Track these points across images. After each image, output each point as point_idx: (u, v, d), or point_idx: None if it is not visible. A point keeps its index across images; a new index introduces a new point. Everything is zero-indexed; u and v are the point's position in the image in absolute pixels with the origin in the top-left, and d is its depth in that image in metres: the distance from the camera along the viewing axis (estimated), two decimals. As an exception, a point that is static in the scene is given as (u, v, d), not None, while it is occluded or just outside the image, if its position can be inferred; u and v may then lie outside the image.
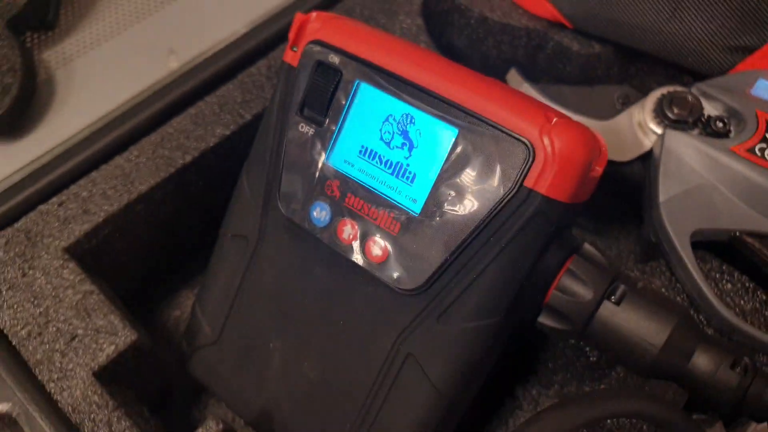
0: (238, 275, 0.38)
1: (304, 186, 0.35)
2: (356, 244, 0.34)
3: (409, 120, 0.34)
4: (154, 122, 0.43)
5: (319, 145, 0.35)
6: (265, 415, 0.37)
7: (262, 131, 0.37)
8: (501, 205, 0.30)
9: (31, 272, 0.38)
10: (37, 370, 0.35)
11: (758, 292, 0.38)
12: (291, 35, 0.37)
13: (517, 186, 0.30)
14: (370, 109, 0.34)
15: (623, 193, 0.45)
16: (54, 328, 0.37)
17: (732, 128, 0.40)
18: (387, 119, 0.33)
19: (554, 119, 0.31)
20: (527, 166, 0.30)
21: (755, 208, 0.37)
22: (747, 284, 0.38)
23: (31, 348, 0.36)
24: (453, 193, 0.32)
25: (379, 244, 0.33)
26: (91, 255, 0.40)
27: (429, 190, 0.32)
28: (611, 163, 0.37)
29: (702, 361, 0.32)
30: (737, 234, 0.38)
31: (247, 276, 0.38)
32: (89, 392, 0.35)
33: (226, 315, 0.39)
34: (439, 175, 0.32)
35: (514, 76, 0.48)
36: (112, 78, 0.48)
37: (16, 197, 0.40)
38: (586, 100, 0.49)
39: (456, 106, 0.32)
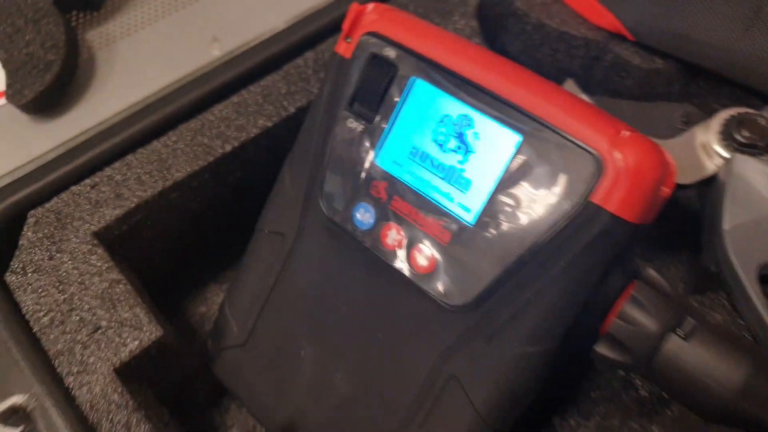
0: (272, 275, 0.36)
1: (349, 185, 0.33)
2: (401, 252, 0.32)
3: (466, 122, 0.31)
4: (195, 108, 0.42)
5: (367, 143, 0.33)
6: (290, 427, 0.35)
7: (308, 125, 0.36)
8: (565, 221, 0.28)
9: (58, 255, 0.37)
10: (57, 361, 0.34)
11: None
12: (345, 26, 0.35)
13: (583, 201, 0.28)
14: (424, 108, 0.32)
15: (676, 217, 0.42)
16: (77, 317, 0.35)
17: (806, 156, 0.37)
18: (442, 120, 0.31)
19: (625, 132, 0.29)
20: (595, 180, 0.28)
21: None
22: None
23: (52, 337, 0.35)
24: (512, 204, 0.30)
25: (427, 254, 0.31)
26: (120, 242, 0.39)
27: (485, 199, 0.30)
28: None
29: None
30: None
31: (282, 276, 0.36)
32: (109, 390, 0.33)
33: (256, 316, 0.37)
34: (498, 183, 0.30)
35: (571, 87, 0.46)
36: (153, 62, 0.47)
37: (49, 176, 0.39)
38: (645, 116, 0.46)
39: (520, 110, 0.30)
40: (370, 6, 0.34)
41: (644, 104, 0.48)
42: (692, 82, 0.47)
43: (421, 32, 0.33)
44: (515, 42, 0.51)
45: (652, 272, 0.32)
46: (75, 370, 0.34)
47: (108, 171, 0.39)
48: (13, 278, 0.36)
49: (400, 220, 0.32)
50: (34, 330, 0.35)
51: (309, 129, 0.35)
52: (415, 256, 0.32)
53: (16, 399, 0.32)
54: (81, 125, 0.44)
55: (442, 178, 0.31)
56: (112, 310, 0.35)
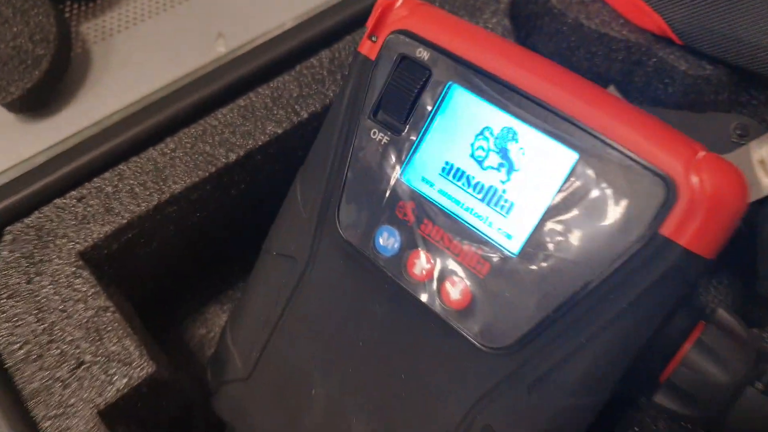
0: (281, 303, 0.33)
1: (371, 205, 0.30)
2: (431, 284, 0.29)
3: (511, 135, 0.28)
4: (196, 112, 0.39)
5: (393, 157, 0.30)
6: (298, 476, 0.32)
7: (325, 134, 0.33)
8: (627, 255, 0.25)
9: (37, 279, 0.33)
10: (32, 402, 0.30)
11: None
12: (370, 22, 0.31)
13: (650, 233, 0.25)
14: (462, 118, 0.29)
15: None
16: (57, 351, 0.31)
17: None
18: (482, 132, 0.28)
19: (701, 153, 0.25)
20: (666, 209, 0.25)
21: None
22: None
23: (28, 373, 0.31)
24: (564, 233, 0.26)
25: (461, 287, 0.28)
26: (109, 262, 0.35)
27: (532, 226, 0.27)
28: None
29: None
30: None
31: (291, 305, 0.33)
32: (93, 436, 0.29)
33: (261, 348, 0.34)
34: (548, 208, 0.27)
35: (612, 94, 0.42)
36: (153, 58, 0.45)
37: (30, 186, 0.36)
38: (693, 128, 0.43)
39: (577, 123, 0.26)
40: (400, 0, 0.31)
41: (692, 114, 0.45)
42: (744, 91, 0.44)
43: (458, 31, 0.30)
44: (549, 43, 0.48)
45: (723, 313, 0.29)
46: (53, 413, 0.30)
47: (97, 182, 0.36)
48: (-15, 304, 0.33)
49: (430, 247, 0.29)
50: (7, 365, 0.31)
51: (325, 139, 0.32)
52: (446, 289, 0.29)
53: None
54: (72, 127, 0.41)
55: (481, 200, 0.28)
56: (98, 343, 0.32)
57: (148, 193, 0.36)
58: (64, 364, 0.31)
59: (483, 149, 0.28)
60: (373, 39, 0.31)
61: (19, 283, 0.33)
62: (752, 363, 0.27)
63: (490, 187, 0.28)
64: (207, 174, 0.37)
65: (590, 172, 0.26)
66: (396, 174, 0.30)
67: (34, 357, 0.31)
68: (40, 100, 0.42)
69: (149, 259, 0.38)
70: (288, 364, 0.33)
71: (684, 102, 0.44)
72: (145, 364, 0.32)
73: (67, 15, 0.47)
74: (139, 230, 0.36)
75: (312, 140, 0.34)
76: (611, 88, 0.43)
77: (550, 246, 0.26)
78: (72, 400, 0.30)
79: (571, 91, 0.27)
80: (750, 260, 0.37)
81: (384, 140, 0.30)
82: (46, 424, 0.30)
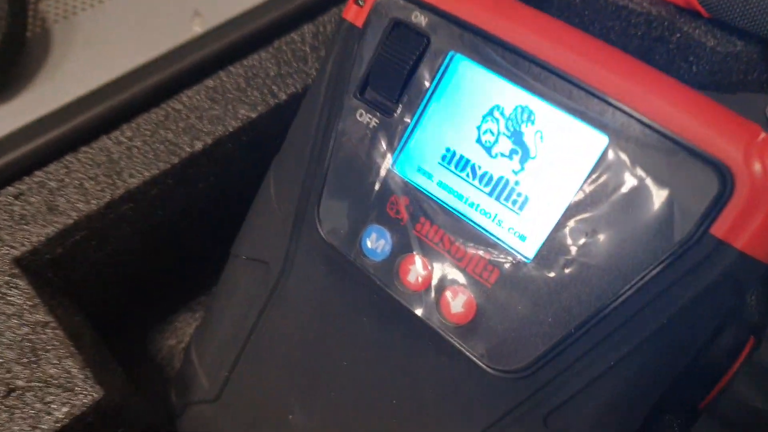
0: (252, 316, 0.30)
1: (357, 200, 0.27)
2: (428, 294, 0.26)
3: (526, 116, 0.24)
4: (157, 94, 0.35)
5: (383, 143, 0.27)
6: None
7: (303, 117, 0.30)
8: (668, 262, 0.22)
9: (-37, 289, 0.29)
10: None
11: None
12: None
13: (699, 233, 0.21)
14: (466, 96, 0.25)
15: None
16: (-18, 376, 0.27)
17: None
18: (491, 112, 0.25)
19: (762, 134, 0.21)
20: (720, 205, 0.21)
21: None
22: None
23: None
24: (589, 234, 0.23)
25: (463, 299, 0.25)
26: (53, 270, 0.32)
27: (550, 226, 0.24)
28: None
29: None
30: None
31: (264, 318, 0.30)
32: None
33: (230, 367, 0.31)
34: (571, 204, 0.23)
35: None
36: (121, 40, 0.41)
37: None
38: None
39: (608, 100, 0.22)
40: (389, -43, 0.27)
41: (720, 96, 0.40)
42: (775, 71, 0.41)
43: (462, -9, 0.26)
44: (559, 17, 0.43)
45: (778, 328, 0.24)
46: (-24, 451, 0.25)
47: (39, 175, 0.32)
48: None
49: (427, 251, 0.26)
50: None
51: (304, 123, 0.29)
52: (446, 300, 0.25)
53: None
54: (25, 116, 0.37)
55: (488, 194, 0.25)
56: (34, 365, 0.28)
57: (99, 188, 0.32)
58: (-8, 392, 0.27)
59: (492, 133, 0.25)
60: (360, 2, 0.27)
61: (-62, 295, 0.29)
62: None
63: (500, 178, 0.25)
64: (169, 166, 0.33)
65: (623, 159, 0.22)
66: (387, 163, 0.27)
67: (-47, 383, 0.27)
68: (-13, 85, 0.38)
69: (104, 264, 0.34)
70: (260, 385, 0.30)
71: (710, 83, 0.42)
72: (90, 389, 0.27)
73: (22, -11, 0.44)
74: (89, 232, 0.32)
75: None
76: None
77: (573, 250, 0.23)
78: (-1, 436, 0.26)
79: (600, 61, 0.23)
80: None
81: (373, 123, 0.27)
82: (-33, 466, 0.25)
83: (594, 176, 0.22)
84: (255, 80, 0.35)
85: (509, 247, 0.24)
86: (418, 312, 0.25)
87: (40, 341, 0.28)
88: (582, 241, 0.23)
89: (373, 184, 0.27)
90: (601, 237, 0.22)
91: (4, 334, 0.28)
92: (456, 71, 0.25)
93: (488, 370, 0.24)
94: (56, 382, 0.27)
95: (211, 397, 0.31)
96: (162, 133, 0.34)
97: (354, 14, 0.27)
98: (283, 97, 0.35)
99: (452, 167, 0.25)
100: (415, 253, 0.26)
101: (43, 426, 0.26)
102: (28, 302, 0.28)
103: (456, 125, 0.25)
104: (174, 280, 0.40)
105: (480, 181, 0.25)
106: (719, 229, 0.21)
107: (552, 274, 0.23)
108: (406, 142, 0.26)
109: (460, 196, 0.25)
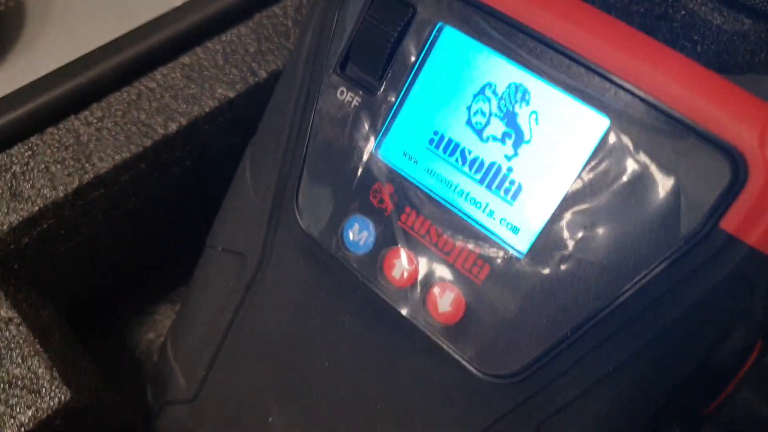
0: (228, 311, 0.28)
1: (338, 188, 0.25)
2: (413, 291, 0.24)
3: (520, 95, 0.22)
4: (129, 71, 0.33)
5: (366, 125, 0.25)
6: None
7: (279, 96, 0.28)
8: (673, 258, 0.20)
9: None
10: None
11: None
12: None
13: (708, 228, 0.19)
14: (455, 72, 0.23)
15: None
16: (-62, 377, 0.25)
17: None
18: (482, 91, 0.23)
19: None
20: (732, 195, 0.19)
21: None
22: None
23: None
24: (588, 227, 0.21)
25: (452, 296, 0.23)
26: (19, 261, 0.30)
27: (546, 217, 0.22)
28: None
29: None
30: None
31: (241, 314, 0.28)
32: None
33: (207, 366, 0.29)
34: (568, 193, 0.21)
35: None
36: (99, 12, 0.39)
37: None
38: None
39: (608, 77, 0.20)
40: None
41: (726, 77, 0.39)
42: (786, 49, 0.39)
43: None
44: None
45: (791, 329, 0.22)
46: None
47: (1, 158, 0.30)
48: None
49: (413, 244, 0.24)
50: None
51: (280, 103, 0.27)
52: (434, 298, 0.23)
53: None
54: None
55: (479, 182, 0.23)
56: None
57: (67, 173, 0.31)
58: (-53, 394, 0.25)
59: (483, 114, 0.23)
60: (340, -30, 0.25)
61: None
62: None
63: (492, 164, 0.23)
64: (141, 149, 0.31)
65: (626, 144, 0.20)
66: (370, 147, 0.25)
67: None
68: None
69: (74, 254, 0.32)
70: (239, 386, 0.28)
71: (715, 63, 0.40)
72: (57, 390, 0.26)
73: (-7, -40, 0.42)
74: (57, 220, 0.30)
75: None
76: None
77: (570, 244, 0.21)
78: (-45, 441, 0.24)
79: (601, 34, 0.21)
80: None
81: (354, 102, 0.25)
82: None
83: (593, 162, 0.20)
84: (233, 57, 0.34)
85: (501, 240, 0.22)
86: (403, 310, 0.24)
87: (3, 339, 0.26)
88: (580, 234, 0.21)
89: (355, 170, 0.25)
90: (601, 230, 0.20)
91: (-39, 332, 0.26)
92: (444, 44, 0.23)
93: (478, 374, 0.23)
94: (21, 383, 0.26)
95: (189, 397, 0.30)
96: (134, 114, 0.32)
97: (334, -18, 0.25)
98: (264, 75, 0.34)
99: (440, 152, 0.23)
100: (400, 246, 0.24)
101: (6, 431, 0.25)
102: (-13, 297, 0.27)
103: (445, 105, 0.23)
104: (152, 270, 0.38)
105: (470, 168, 0.23)
106: (730, 222, 0.19)
107: (547, 271, 0.21)
108: (390, 123, 0.24)
109: (448, 184, 0.23)
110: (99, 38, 0.37)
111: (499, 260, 0.22)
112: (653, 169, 0.20)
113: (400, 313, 0.24)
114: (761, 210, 0.19)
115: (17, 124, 0.30)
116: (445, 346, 0.23)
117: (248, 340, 0.28)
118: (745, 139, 0.19)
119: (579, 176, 0.21)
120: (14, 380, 0.26)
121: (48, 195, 0.30)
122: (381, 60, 0.24)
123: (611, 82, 0.20)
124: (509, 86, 0.22)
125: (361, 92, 0.25)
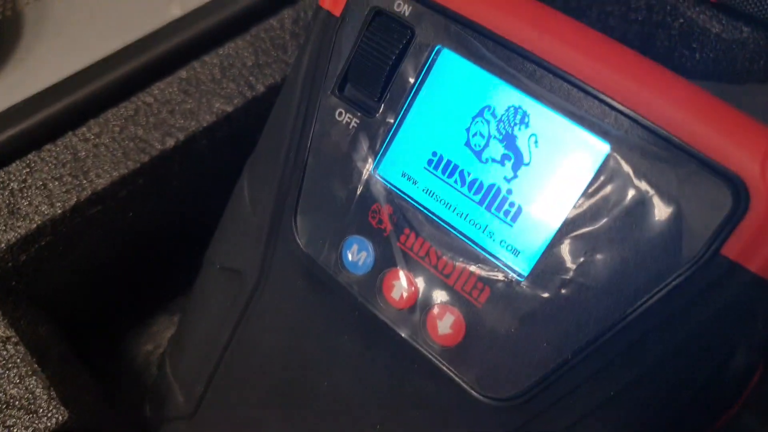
0: (227, 329, 0.28)
1: (337, 208, 0.26)
2: (412, 313, 0.24)
3: (519, 118, 0.22)
4: (127, 86, 0.33)
5: (365, 146, 0.25)
6: None
7: (278, 115, 0.28)
8: (675, 284, 0.20)
9: None
10: None
11: None
12: None
13: (709, 254, 0.19)
14: (454, 94, 0.23)
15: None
16: (-65, 398, 0.25)
17: None
18: (481, 113, 0.23)
19: None
20: (733, 222, 0.19)
21: None
22: None
23: None
24: (589, 251, 0.21)
25: (452, 319, 0.23)
26: (16, 278, 0.30)
27: (546, 240, 0.22)
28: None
29: None
30: None
31: (239, 332, 0.28)
32: None
33: (206, 383, 0.29)
34: (568, 218, 0.21)
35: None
36: (96, 24, 0.39)
37: None
38: (737, 103, 0.38)
39: (610, 103, 0.20)
40: (370, -62, 0.25)
41: (726, 87, 0.40)
42: (784, 59, 0.39)
43: (449, -23, 0.24)
44: (555, 2, 0.42)
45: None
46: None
47: (0, 175, 0.31)
48: None
49: (412, 265, 0.24)
50: None
51: (279, 122, 0.27)
52: (433, 320, 0.23)
53: None
54: None
55: (478, 204, 0.23)
56: None
57: (65, 189, 0.31)
58: (-57, 416, 0.25)
59: (482, 135, 0.23)
60: (338, -10, 0.25)
61: None
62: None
63: (491, 185, 0.23)
64: (139, 165, 0.32)
65: (626, 170, 0.20)
66: (368, 168, 0.25)
67: None
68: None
69: (72, 270, 0.33)
70: (237, 404, 0.28)
71: (713, 72, 0.40)
72: (55, 410, 0.26)
73: (-12, -30, 0.42)
74: (55, 237, 0.30)
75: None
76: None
77: (570, 267, 0.21)
78: (-48, 465, 0.24)
79: (602, 59, 0.21)
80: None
81: (353, 123, 0.25)
82: None
83: (594, 187, 0.20)
84: (231, 71, 0.34)
85: (501, 262, 0.22)
86: (403, 332, 0.24)
87: (0, 359, 0.26)
88: (581, 258, 0.21)
89: (354, 190, 0.25)
90: (602, 255, 0.20)
91: (-42, 352, 0.26)
92: (443, 67, 0.23)
93: (478, 396, 0.23)
94: (18, 403, 0.26)
95: (187, 414, 0.30)
96: (132, 129, 0.32)
97: (331, 2, 0.25)
98: (261, 89, 0.34)
99: (439, 173, 0.23)
100: (399, 267, 0.24)
101: (1, 453, 0.25)
102: (-15, 316, 0.27)
103: (443, 127, 0.23)
104: (149, 283, 0.38)
105: (469, 189, 0.23)
106: (731, 249, 0.19)
107: (548, 294, 0.21)
108: (389, 144, 0.24)
109: (447, 205, 0.23)
110: (96, 49, 0.37)
111: (499, 283, 0.22)
112: (654, 195, 0.20)
113: (399, 335, 0.24)
114: (763, 237, 0.19)
115: (15, 141, 0.31)
116: (444, 369, 0.23)
117: (246, 358, 0.28)
118: (746, 165, 0.19)
119: (579, 200, 0.21)
120: (11, 400, 0.26)
121: (46, 212, 0.30)
122: (380, 82, 0.24)
123: (611, 107, 0.20)
124: (508, 109, 0.22)
125: (359, 113, 0.25)
